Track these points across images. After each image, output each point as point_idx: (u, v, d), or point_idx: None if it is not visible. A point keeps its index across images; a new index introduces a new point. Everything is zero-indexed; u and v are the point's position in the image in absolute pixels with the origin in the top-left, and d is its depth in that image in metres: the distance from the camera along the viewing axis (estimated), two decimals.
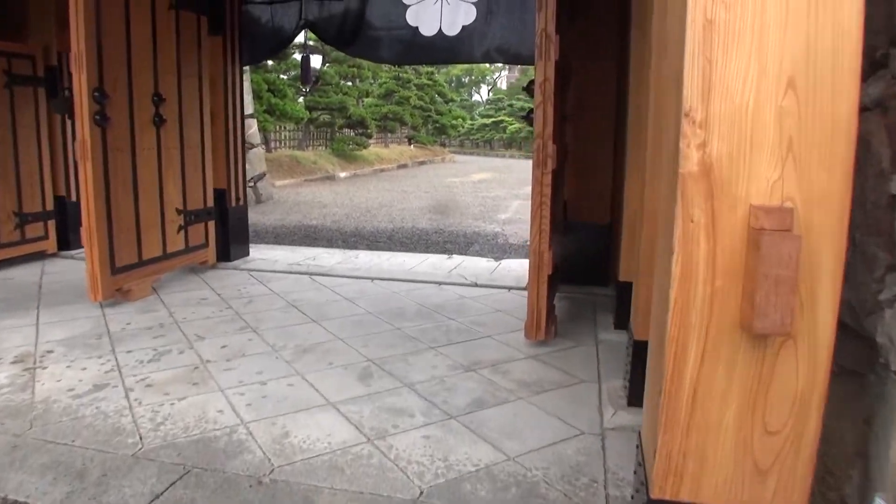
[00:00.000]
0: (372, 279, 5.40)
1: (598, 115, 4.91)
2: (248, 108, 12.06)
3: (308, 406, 2.88)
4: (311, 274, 5.57)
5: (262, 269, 5.73)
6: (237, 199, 6.05)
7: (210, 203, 5.68)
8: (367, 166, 21.69)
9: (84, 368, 3.33)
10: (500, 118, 53.31)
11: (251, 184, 11.68)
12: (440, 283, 5.25)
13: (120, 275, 4.64)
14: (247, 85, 12.05)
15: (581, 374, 3.34)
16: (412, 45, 5.88)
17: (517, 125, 50.84)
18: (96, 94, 4.31)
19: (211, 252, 5.74)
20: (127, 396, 2.98)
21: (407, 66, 32.86)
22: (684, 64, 1.40)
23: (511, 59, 5.77)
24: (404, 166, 25.69)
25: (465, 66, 71.31)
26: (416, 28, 5.83)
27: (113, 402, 2.90)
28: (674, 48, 1.62)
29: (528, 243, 3.65)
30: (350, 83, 24.15)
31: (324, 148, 21.67)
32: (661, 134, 2.65)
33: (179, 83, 5.20)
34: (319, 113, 20.97)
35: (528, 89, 3.82)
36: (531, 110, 3.76)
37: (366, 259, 6.32)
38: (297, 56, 20.51)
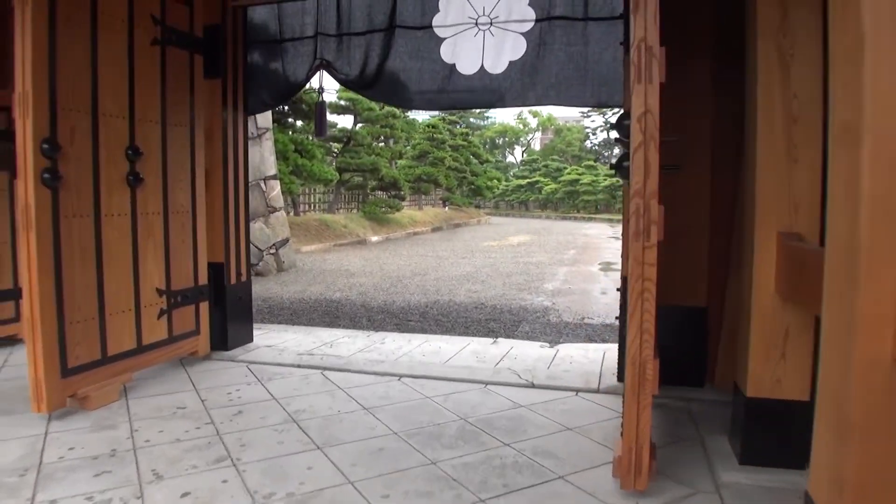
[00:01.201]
0: (399, 377, 4.27)
1: (692, 161, 3.80)
2: (271, 168, 11.25)
3: None
4: (323, 368, 4.47)
5: (265, 362, 4.65)
6: (238, 274, 5.03)
7: (203, 280, 4.66)
8: (400, 230, 20.77)
9: None
10: (534, 179, 52.68)
11: (272, 251, 10.75)
12: (486, 384, 4.10)
13: (75, 377, 3.59)
14: (269, 144, 11.26)
15: None
16: (448, 86, 4.89)
17: (553, 185, 50.11)
18: (45, 146, 3.35)
19: (203, 340, 4.68)
20: None
21: (441, 126, 32.32)
22: None
23: (571, 100, 4.72)
24: (439, 229, 24.76)
25: (499, 127, 71.47)
26: (453, 65, 4.85)
27: None
28: None
29: (627, 351, 2.50)
30: (382, 143, 23.52)
31: (355, 211, 20.87)
32: None
33: (164, 134, 4.24)
34: (351, 174, 20.21)
35: (620, 126, 2.75)
36: (623, 157, 2.67)
37: (393, 345, 5.21)
38: (328, 116, 19.95)
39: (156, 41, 4.12)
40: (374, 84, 5.00)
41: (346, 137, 19.81)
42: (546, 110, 74.39)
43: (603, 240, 21.63)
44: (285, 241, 11.18)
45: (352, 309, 7.32)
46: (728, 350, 3.80)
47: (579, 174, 50.41)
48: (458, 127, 37.14)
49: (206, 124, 4.70)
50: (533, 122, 70.82)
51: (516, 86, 4.78)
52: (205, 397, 3.84)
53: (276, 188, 11.17)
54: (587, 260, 13.62)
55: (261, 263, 10.34)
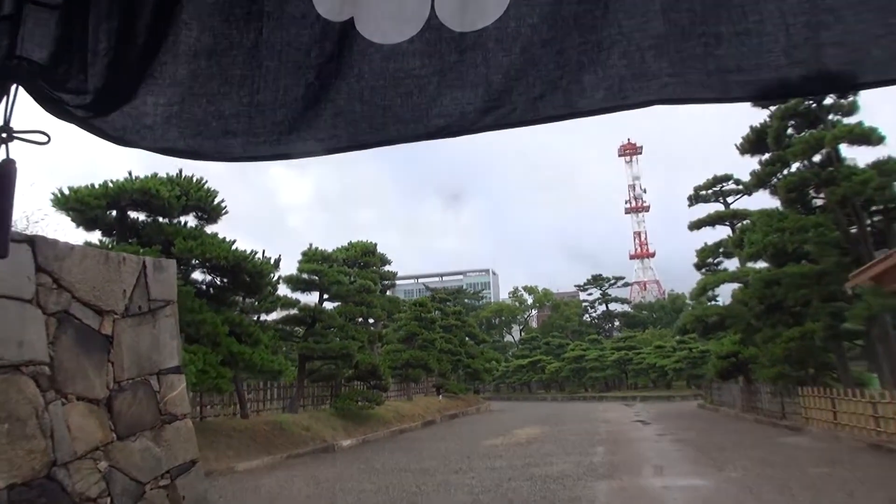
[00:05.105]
0: None
1: None
2: (172, 358, 7.85)
3: None
4: None
5: None
6: None
7: None
8: (382, 428, 16.99)
9: None
10: (536, 357, 49.26)
11: (165, 481, 7.09)
12: None
13: None
14: (170, 323, 7.95)
15: None
16: (334, 88, 1.71)
17: (556, 364, 46.62)
18: None
19: None
20: None
21: (431, 304, 29.11)
22: None
23: (698, 86, 1.50)
24: (431, 423, 20.90)
25: (494, 306, 68.96)
26: (348, 24, 1.70)
27: None
28: None
29: None
30: (360, 322, 20.26)
31: (326, 406, 17.19)
32: None
33: None
34: (320, 363, 16.77)
35: None
36: None
37: None
38: (287, 292, 16.82)
39: None
40: (129, 98, 1.79)
41: (311, 318, 16.55)
42: (542, 284, 72.08)
43: (629, 426, 17.86)
44: (189, 465, 7.54)
45: None
46: None
47: (584, 350, 47.15)
48: (449, 305, 34.24)
49: None
50: (529, 299, 68.50)
51: (538, 64, 1.61)
52: None
53: (177, 386, 7.71)
54: (629, 465, 9.89)
55: None
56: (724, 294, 24.04)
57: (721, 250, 22.19)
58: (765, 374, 17.40)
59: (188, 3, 1.77)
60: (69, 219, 10.88)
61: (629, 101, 1.55)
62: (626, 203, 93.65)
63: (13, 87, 1.91)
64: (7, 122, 1.95)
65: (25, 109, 1.86)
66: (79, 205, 10.48)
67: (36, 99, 1.93)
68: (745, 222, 20.51)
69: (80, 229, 11.49)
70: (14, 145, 2.07)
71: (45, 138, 2.25)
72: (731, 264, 22.49)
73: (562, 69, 1.59)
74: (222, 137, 1.78)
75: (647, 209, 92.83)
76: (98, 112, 1.84)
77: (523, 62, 1.63)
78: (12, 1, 1.94)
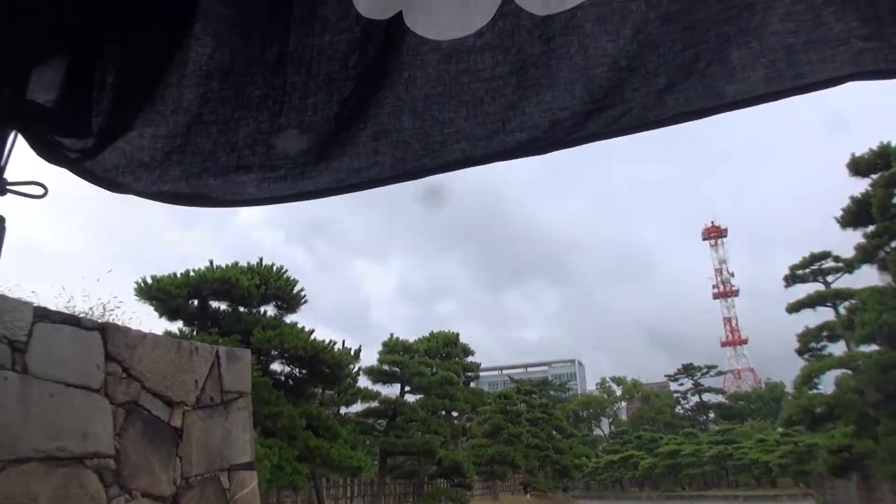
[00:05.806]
0: None
1: None
2: (244, 453, 7.50)
3: None
4: None
5: None
6: None
7: None
8: None
9: None
10: (627, 453, 46.89)
11: None
12: None
13: None
14: (243, 416, 7.64)
15: None
16: (387, 95, 1.33)
17: (650, 459, 44.25)
18: None
19: None
20: None
21: (516, 396, 28.19)
22: None
23: None
24: None
25: (582, 398, 66.69)
26: (396, 20, 1.33)
27: None
28: None
29: None
30: (443, 418, 19.59)
31: None
32: None
33: None
34: (402, 459, 16.15)
35: None
36: None
37: None
38: (368, 383, 16.43)
39: None
40: (124, 131, 1.47)
41: (392, 411, 16.08)
42: (631, 374, 69.47)
43: None
44: None
45: None
46: None
47: (678, 444, 44.59)
48: (534, 397, 33.13)
49: None
50: (617, 390, 66.02)
51: (659, 46, 1.18)
52: None
53: (249, 484, 7.31)
54: None
55: None
56: (826, 382, 22.36)
57: (824, 333, 20.68)
58: (885, 471, 15.80)
59: (203, 14, 1.45)
60: (152, 308, 11.01)
61: (806, 81, 1.09)
62: (713, 288, 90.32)
63: (12, 135, 1.63)
64: (1, 172, 1.65)
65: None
66: (161, 294, 10.60)
67: (31, 144, 1.64)
68: (851, 302, 19.12)
69: (163, 318, 11.59)
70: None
71: (40, 190, 1.92)
72: (836, 348, 20.97)
73: (696, 48, 1.15)
74: (233, 173, 1.41)
75: (736, 293, 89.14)
76: (90, 153, 1.52)
77: (638, 46, 1.19)
78: (24, 46, 1.68)
